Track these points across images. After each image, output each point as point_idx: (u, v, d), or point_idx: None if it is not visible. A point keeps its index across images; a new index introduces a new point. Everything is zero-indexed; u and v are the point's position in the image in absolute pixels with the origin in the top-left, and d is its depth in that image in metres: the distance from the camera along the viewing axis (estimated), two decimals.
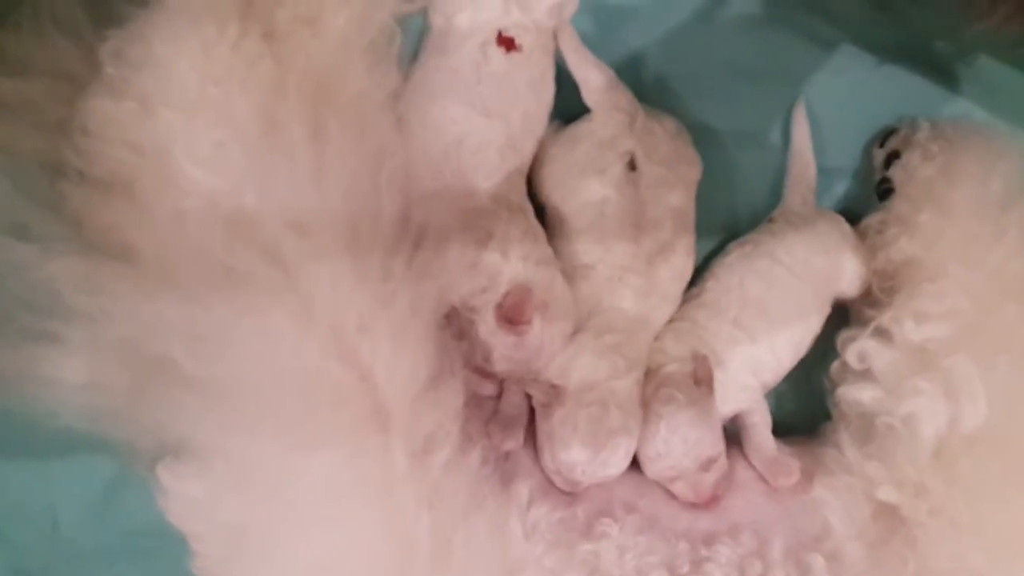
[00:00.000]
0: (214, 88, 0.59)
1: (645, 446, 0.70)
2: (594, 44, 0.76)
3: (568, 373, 0.71)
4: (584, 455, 0.67)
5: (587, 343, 0.72)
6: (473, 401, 0.70)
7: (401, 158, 0.65)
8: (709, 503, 0.71)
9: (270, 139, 0.59)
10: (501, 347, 0.70)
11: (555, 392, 0.70)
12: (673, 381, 0.72)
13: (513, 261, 0.70)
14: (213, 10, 0.61)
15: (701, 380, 0.71)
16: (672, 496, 0.72)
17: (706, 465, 0.70)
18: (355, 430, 0.59)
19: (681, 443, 0.69)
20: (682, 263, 0.75)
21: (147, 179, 0.60)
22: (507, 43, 0.72)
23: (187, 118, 0.59)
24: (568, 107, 0.77)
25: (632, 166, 0.73)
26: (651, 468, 0.71)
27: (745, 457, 0.75)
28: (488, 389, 0.73)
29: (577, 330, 0.73)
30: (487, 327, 0.70)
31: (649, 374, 0.73)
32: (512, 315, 0.69)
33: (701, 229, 0.78)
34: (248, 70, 0.60)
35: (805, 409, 0.79)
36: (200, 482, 0.59)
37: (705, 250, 0.80)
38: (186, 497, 0.60)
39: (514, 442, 0.71)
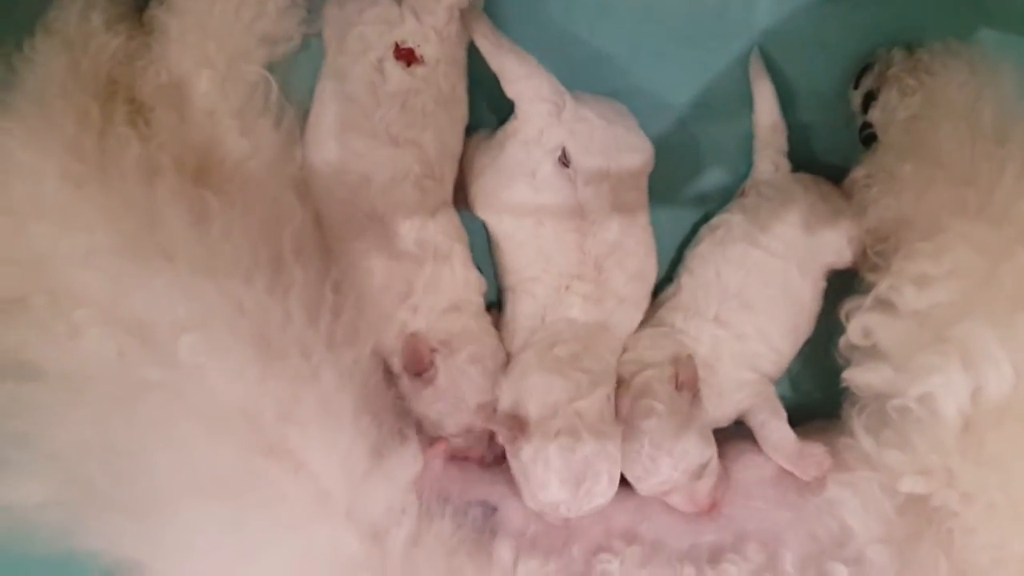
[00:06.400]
0: (80, 190, 0.54)
1: (631, 466, 0.65)
2: (511, 28, 0.67)
3: (522, 400, 0.65)
4: (564, 491, 0.62)
5: (531, 360, 0.66)
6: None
7: (302, 218, 0.59)
8: (709, 510, 0.65)
9: (148, 234, 0.54)
10: (427, 405, 0.66)
11: (517, 424, 0.64)
12: (651, 390, 0.66)
13: (419, 316, 0.65)
14: (71, 101, 0.57)
15: (684, 384, 0.66)
16: (671, 508, 0.66)
17: (698, 472, 0.65)
18: (299, 525, 0.55)
19: (668, 457, 0.64)
20: (638, 263, 0.68)
21: (36, 294, 0.56)
22: (406, 56, 0.64)
23: (58, 226, 0.55)
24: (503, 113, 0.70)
25: (565, 161, 0.65)
26: (641, 487, 0.66)
27: (746, 457, 0.68)
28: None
29: (520, 349, 0.67)
30: (408, 391, 0.66)
31: (623, 385, 0.67)
32: (412, 365, 0.64)
33: (668, 215, 0.71)
34: (117, 160, 0.56)
35: (823, 387, 0.71)
36: None
37: (677, 238, 0.73)
38: None
39: None
